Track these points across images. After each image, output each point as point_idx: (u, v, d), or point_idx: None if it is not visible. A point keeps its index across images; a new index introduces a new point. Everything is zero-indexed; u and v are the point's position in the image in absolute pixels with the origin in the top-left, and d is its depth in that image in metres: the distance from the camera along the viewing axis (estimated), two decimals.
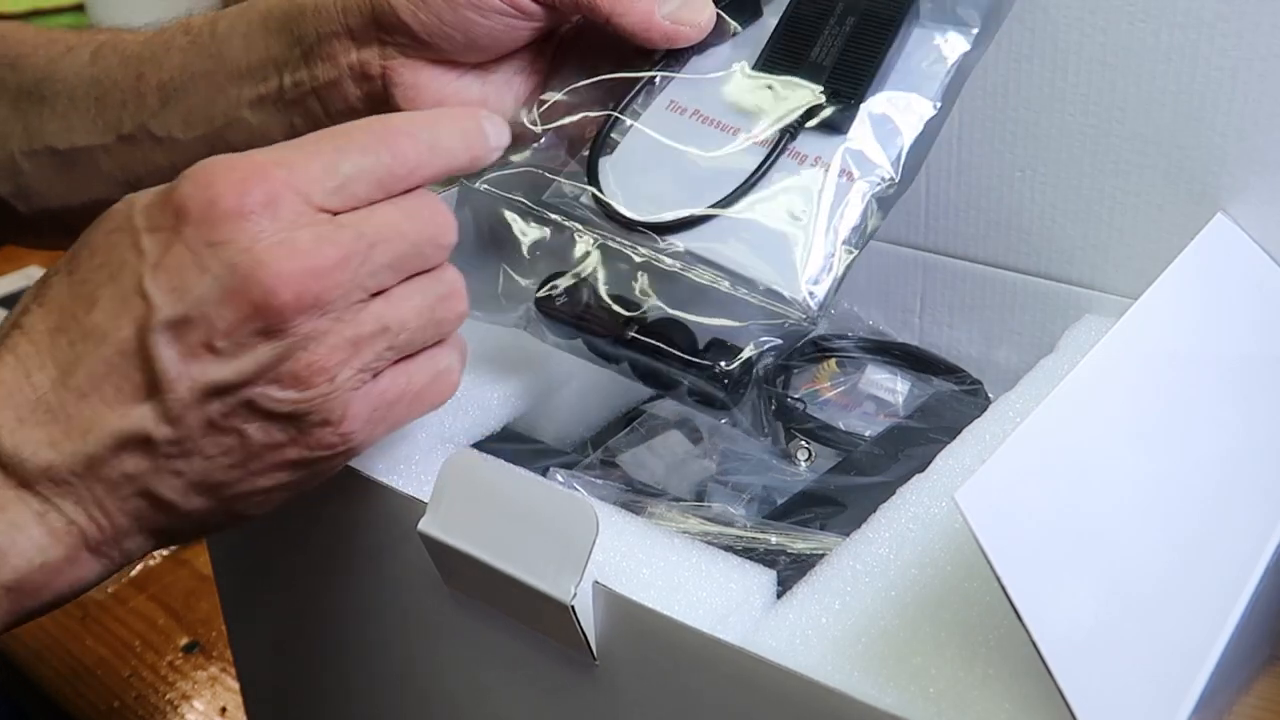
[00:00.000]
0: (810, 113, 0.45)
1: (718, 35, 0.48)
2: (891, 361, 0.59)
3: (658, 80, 0.47)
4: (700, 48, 0.47)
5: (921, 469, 0.43)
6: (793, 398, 0.57)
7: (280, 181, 0.37)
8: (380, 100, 0.49)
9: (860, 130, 0.45)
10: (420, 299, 0.40)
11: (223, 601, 0.57)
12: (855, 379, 0.59)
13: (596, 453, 0.53)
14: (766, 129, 0.45)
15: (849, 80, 0.45)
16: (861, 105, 0.45)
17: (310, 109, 0.50)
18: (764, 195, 0.44)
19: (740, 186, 0.44)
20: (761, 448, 0.54)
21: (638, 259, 0.44)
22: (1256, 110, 0.48)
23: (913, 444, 0.50)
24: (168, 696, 0.67)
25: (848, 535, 0.41)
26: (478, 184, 0.48)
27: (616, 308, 0.44)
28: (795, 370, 0.60)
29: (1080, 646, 0.30)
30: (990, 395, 0.56)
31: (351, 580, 0.48)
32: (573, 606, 0.36)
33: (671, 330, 0.43)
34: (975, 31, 0.47)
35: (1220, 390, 0.43)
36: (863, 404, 0.58)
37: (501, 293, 0.47)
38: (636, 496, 0.47)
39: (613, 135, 0.47)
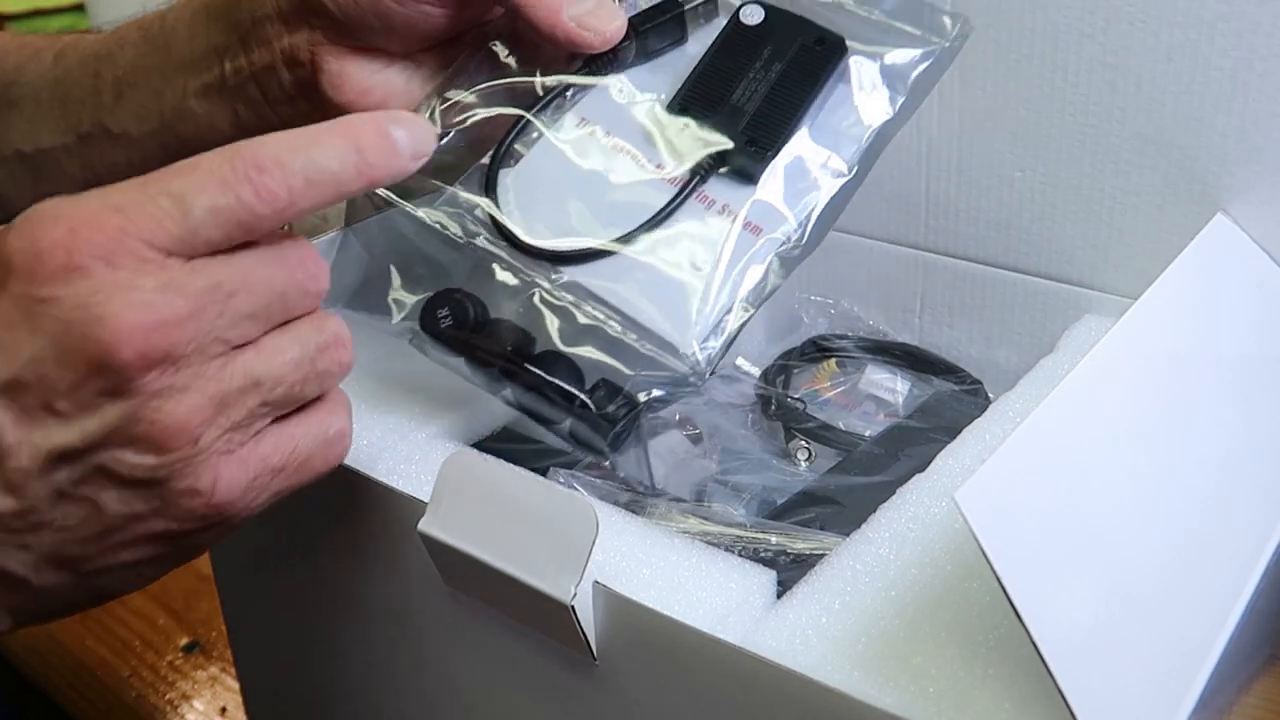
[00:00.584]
0: (723, 157, 0.43)
1: (640, 56, 0.46)
2: (891, 361, 0.59)
3: (570, 93, 0.45)
4: (618, 66, 0.46)
5: (921, 469, 0.43)
6: (793, 398, 0.57)
7: (115, 229, 0.33)
8: (311, 86, 0.48)
9: (771, 183, 0.43)
10: (297, 350, 0.37)
11: (223, 601, 0.57)
12: (855, 379, 0.59)
13: None
14: (677, 166, 0.43)
15: (767, 130, 0.43)
16: (776, 158, 0.43)
17: (250, 95, 0.49)
18: (666, 237, 0.42)
19: (644, 224, 0.42)
20: (762, 447, 0.54)
21: (529, 287, 0.42)
22: (1256, 110, 0.48)
23: (913, 444, 0.50)
24: (168, 696, 0.67)
25: (848, 535, 0.41)
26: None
27: (504, 335, 0.42)
28: (795, 370, 0.60)
29: (1080, 646, 0.30)
30: (990, 395, 0.56)
31: (351, 580, 0.48)
32: (573, 606, 0.36)
33: (557, 366, 0.42)
34: (900, 100, 0.45)
35: (1220, 390, 0.43)
36: (863, 404, 0.58)
37: (390, 298, 0.45)
38: (635, 496, 0.47)
39: (517, 146, 0.45)
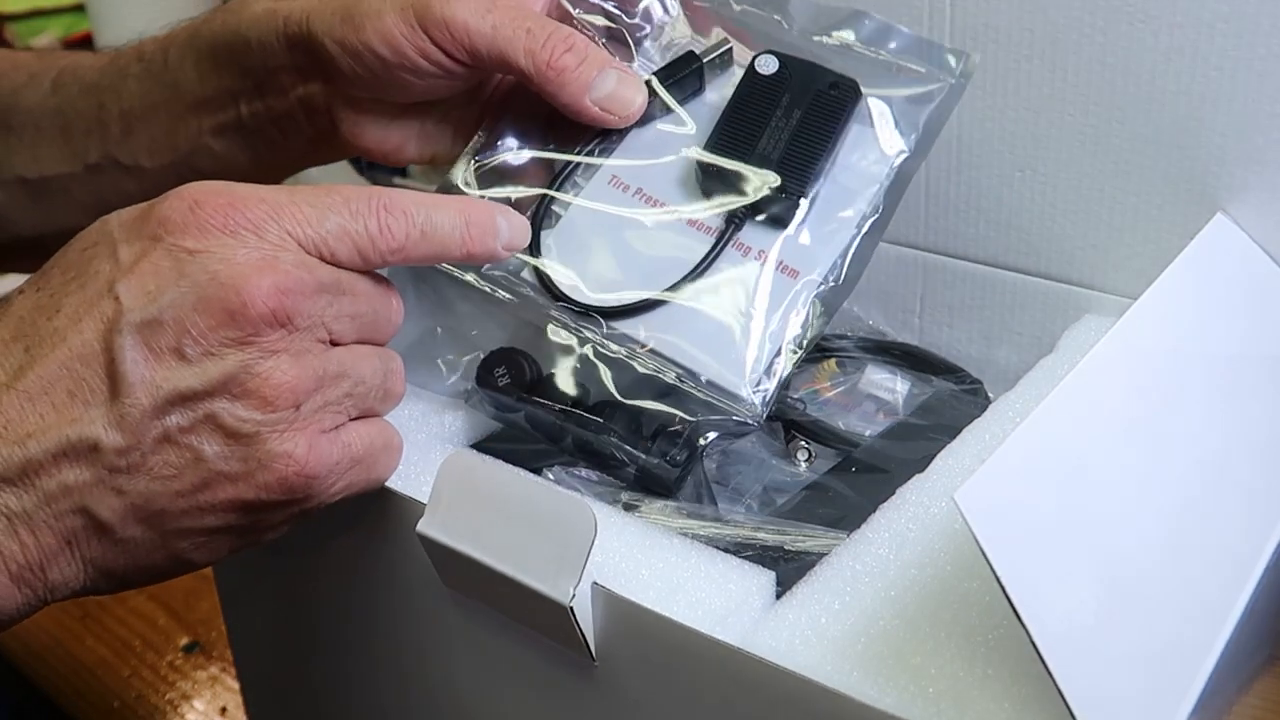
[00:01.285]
0: (757, 205, 0.44)
1: (660, 111, 0.47)
2: (891, 361, 0.59)
3: (598, 151, 0.47)
4: (644, 121, 0.47)
5: (921, 469, 0.43)
6: (793, 398, 0.57)
7: (266, 212, 0.38)
8: (331, 131, 0.49)
9: (803, 227, 0.45)
10: (378, 363, 0.41)
11: (223, 601, 0.57)
12: (855, 379, 0.59)
13: None
14: (712, 216, 0.45)
15: (795, 175, 0.44)
16: (804, 200, 0.45)
17: (271, 136, 0.51)
18: (710, 285, 0.44)
19: (689, 274, 0.44)
20: (762, 447, 0.54)
21: (582, 343, 0.44)
22: (1256, 110, 0.48)
23: (913, 443, 0.50)
24: (168, 696, 0.67)
25: (848, 534, 0.41)
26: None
27: (562, 388, 0.44)
28: (795, 370, 0.60)
29: (1080, 646, 0.30)
30: (990, 395, 0.56)
31: (351, 580, 0.48)
32: (571, 607, 0.36)
33: (617, 415, 0.43)
34: (915, 137, 0.47)
35: (1220, 390, 0.43)
36: (863, 404, 0.58)
37: (440, 361, 0.47)
38: (635, 496, 0.47)
39: (554, 208, 0.46)
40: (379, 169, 1.05)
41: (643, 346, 0.43)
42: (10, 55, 0.58)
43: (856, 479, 0.49)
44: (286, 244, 0.37)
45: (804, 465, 0.53)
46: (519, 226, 0.42)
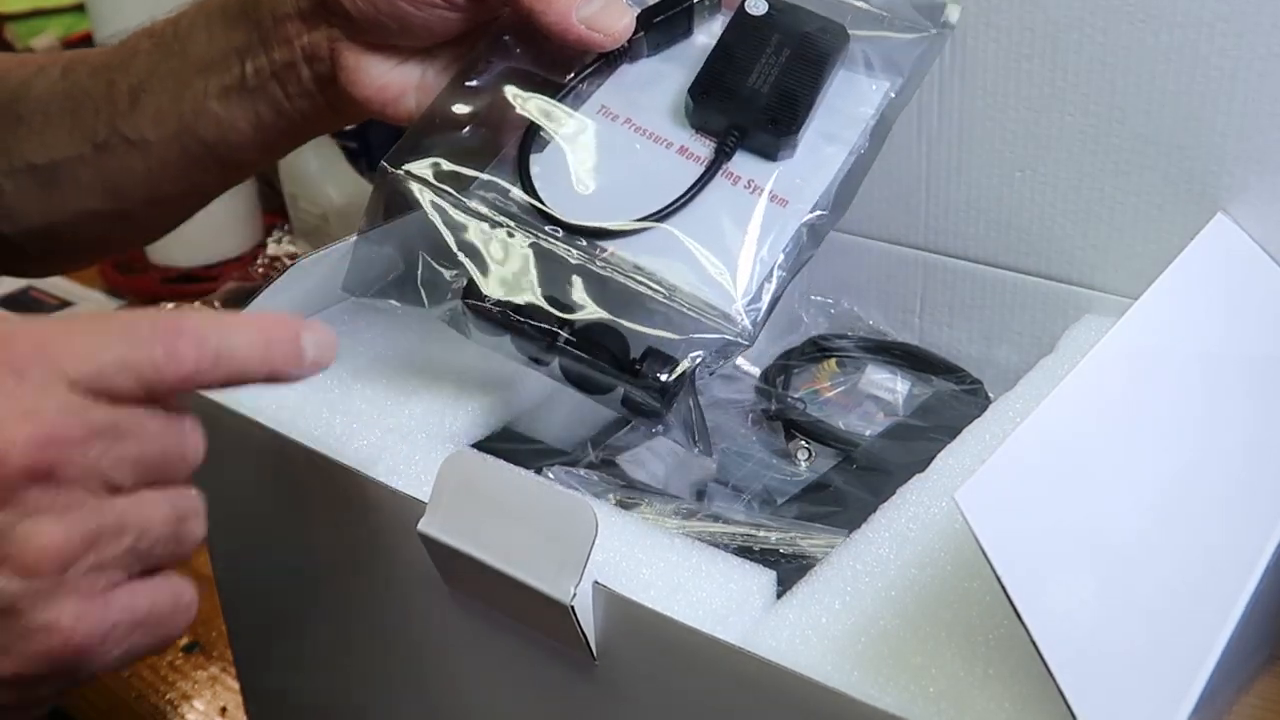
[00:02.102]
0: (745, 136, 0.45)
1: (650, 49, 0.48)
2: (891, 361, 0.59)
3: (587, 83, 0.47)
4: (630, 57, 0.48)
5: (921, 469, 0.43)
6: (793, 398, 0.57)
7: (31, 349, 0.33)
8: (329, 82, 0.50)
9: (792, 159, 0.45)
10: (168, 509, 0.36)
11: (223, 601, 0.57)
12: (855, 379, 0.59)
13: (596, 452, 0.53)
14: (700, 147, 0.45)
15: (785, 110, 0.45)
16: (796, 133, 0.45)
17: (272, 94, 0.51)
18: (701, 210, 0.44)
19: (679, 199, 0.44)
20: (762, 447, 0.54)
21: (573, 262, 0.44)
22: (1256, 110, 0.48)
23: (913, 443, 0.50)
24: (168, 696, 0.67)
25: (848, 533, 0.41)
26: (400, 169, 0.46)
27: (549, 309, 0.43)
28: (795, 370, 0.60)
29: (1080, 646, 0.30)
30: (990, 395, 0.56)
31: (351, 580, 0.48)
32: (572, 607, 0.36)
33: (605, 336, 0.43)
34: (900, 82, 0.48)
35: (1220, 390, 0.43)
36: (863, 404, 0.58)
37: (421, 282, 0.46)
38: (635, 496, 0.47)
39: (541, 134, 0.47)
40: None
41: (634, 267, 0.43)
42: (18, 55, 0.60)
43: (856, 479, 0.49)
44: (51, 387, 0.33)
45: (804, 465, 0.53)
46: (326, 344, 0.39)
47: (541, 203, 0.45)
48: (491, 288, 0.44)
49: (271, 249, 1.12)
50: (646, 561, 0.39)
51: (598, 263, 0.43)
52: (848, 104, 0.47)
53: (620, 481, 0.49)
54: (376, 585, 0.47)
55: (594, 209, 0.44)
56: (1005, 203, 0.56)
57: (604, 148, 0.46)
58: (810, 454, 0.53)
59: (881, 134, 0.47)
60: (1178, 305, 0.43)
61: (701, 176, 0.44)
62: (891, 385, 0.58)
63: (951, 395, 0.56)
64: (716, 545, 0.41)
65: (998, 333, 0.58)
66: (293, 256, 1.10)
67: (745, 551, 0.42)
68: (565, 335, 0.43)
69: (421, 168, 0.46)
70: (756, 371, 0.61)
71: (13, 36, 1.40)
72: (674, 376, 0.42)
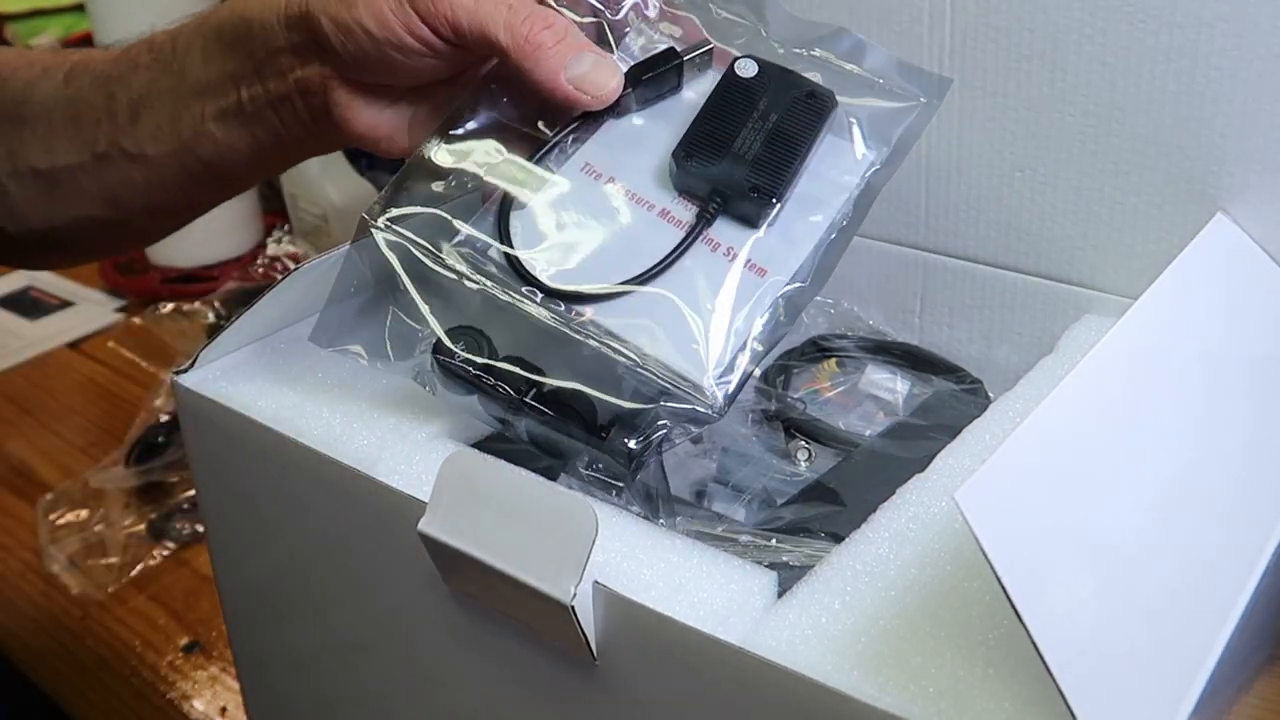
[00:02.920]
0: (730, 202, 0.45)
1: (638, 103, 0.48)
2: (891, 361, 0.59)
3: (572, 139, 0.47)
4: (619, 113, 0.47)
5: (922, 469, 0.43)
6: (793, 398, 0.57)
7: None
8: (325, 114, 0.50)
9: (773, 228, 0.45)
10: None
11: (223, 601, 0.57)
12: (855, 379, 0.59)
13: None
14: (682, 211, 0.45)
15: (768, 177, 0.44)
16: (777, 203, 0.45)
17: (269, 121, 0.52)
18: (677, 277, 0.44)
19: (657, 265, 0.43)
20: (762, 447, 0.54)
21: (546, 324, 0.43)
22: (1256, 110, 0.48)
23: (913, 442, 0.50)
24: (168, 696, 0.67)
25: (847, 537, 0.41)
26: (378, 220, 0.46)
27: (518, 370, 0.43)
28: (795, 370, 0.60)
29: (1080, 646, 0.30)
30: (990, 395, 0.56)
31: (351, 580, 0.48)
32: (573, 607, 0.36)
33: (574, 400, 0.42)
34: (887, 151, 0.47)
35: (1220, 390, 0.43)
36: (863, 404, 0.58)
37: (389, 335, 0.46)
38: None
39: (525, 190, 0.46)
40: (379, 168, 1.05)
41: (607, 333, 0.43)
42: (24, 53, 0.60)
43: (856, 479, 0.49)
44: None
45: (804, 465, 0.53)
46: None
47: (519, 263, 0.44)
48: (461, 344, 0.44)
49: (271, 249, 1.12)
50: (647, 561, 0.39)
51: (572, 326, 0.43)
52: (833, 171, 0.46)
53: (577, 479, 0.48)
54: (376, 585, 0.47)
55: (572, 271, 0.44)
56: (1005, 203, 0.56)
57: (585, 208, 0.45)
58: (810, 454, 0.53)
59: (865, 204, 0.46)
60: (1178, 305, 0.43)
61: (681, 243, 0.44)
62: (891, 385, 0.58)
63: (951, 395, 0.56)
64: (716, 545, 0.41)
65: (998, 333, 0.58)
66: (293, 256, 1.10)
67: (745, 553, 0.42)
68: (533, 397, 0.42)
69: (399, 220, 0.46)
70: (757, 372, 0.61)
71: (13, 36, 1.40)
72: (641, 445, 0.41)
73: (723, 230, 0.45)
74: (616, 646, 0.37)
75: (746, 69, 0.47)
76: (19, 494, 0.84)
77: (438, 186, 0.47)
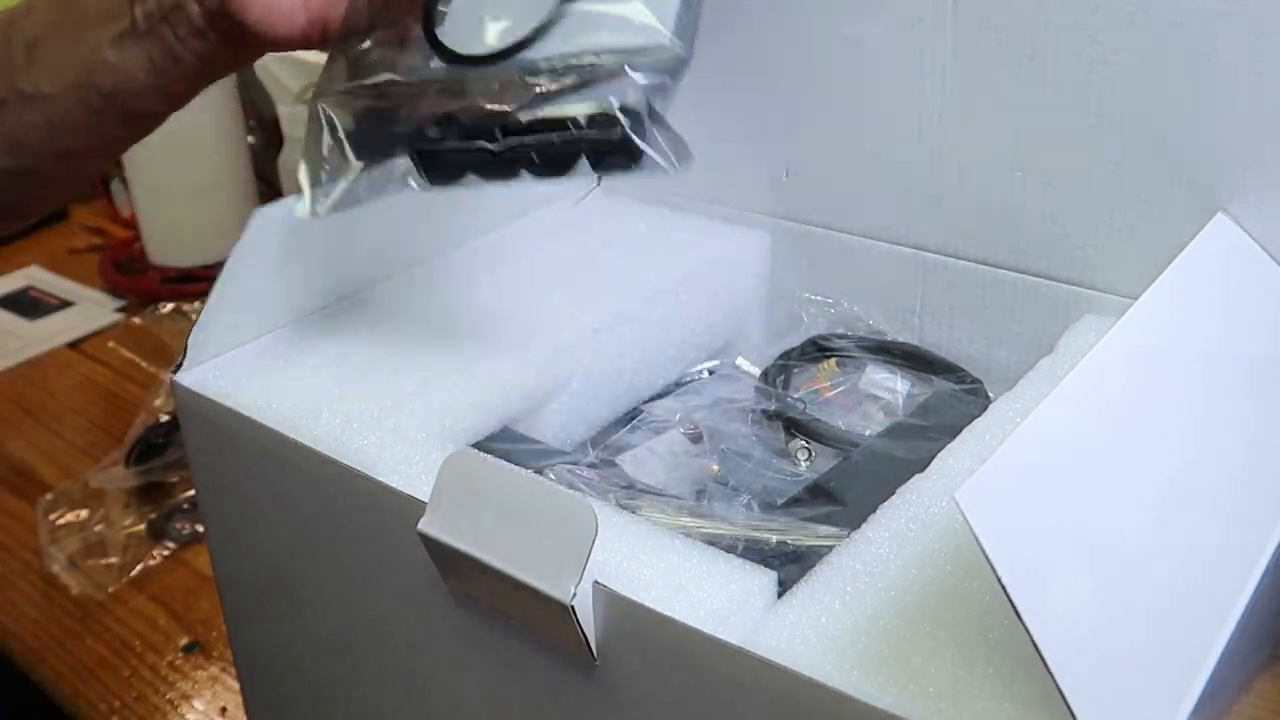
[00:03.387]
0: None
1: None
2: (891, 361, 0.59)
3: None
4: None
5: (922, 469, 0.43)
6: (793, 397, 0.57)
7: None
8: (219, 15, 0.50)
9: None
10: None
11: (223, 601, 0.57)
12: (855, 379, 0.59)
13: (596, 452, 0.53)
14: None
15: None
16: None
17: (163, 36, 0.52)
18: None
19: None
20: (762, 447, 0.54)
21: (499, 81, 0.44)
22: (1257, 110, 0.48)
23: (914, 442, 0.50)
24: (168, 696, 0.67)
25: (849, 532, 0.41)
26: (321, 101, 0.48)
27: (493, 108, 0.44)
28: (795, 370, 0.60)
29: (1080, 646, 0.30)
30: (990, 395, 0.56)
31: (351, 580, 0.48)
32: (573, 606, 0.36)
33: (553, 123, 0.43)
34: None
35: (1220, 390, 0.43)
36: (863, 404, 0.58)
37: (327, 171, 0.47)
38: (635, 496, 0.47)
39: (439, 9, 0.47)
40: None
41: (553, 60, 0.44)
42: None
43: (856, 479, 0.49)
44: None
45: (804, 465, 0.53)
46: None
47: (453, 51, 0.45)
48: (435, 132, 0.45)
49: None
50: (647, 561, 0.39)
51: (527, 76, 0.44)
52: None
53: (620, 482, 0.49)
54: (376, 585, 0.47)
55: (505, 34, 0.45)
56: (1005, 203, 0.56)
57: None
58: (810, 454, 0.53)
59: None
60: (1178, 305, 0.43)
61: None
62: (891, 385, 0.58)
63: (951, 395, 0.56)
64: (716, 545, 0.41)
65: (998, 333, 0.58)
66: None
67: (746, 549, 0.42)
68: (516, 126, 0.43)
69: (343, 87, 0.47)
70: (756, 371, 0.61)
71: None
72: (632, 98, 0.42)
73: None
74: (616, 646, 0.37)
75: None
76: (19, 494, 0.84)
77: (363, 49, 0.48)
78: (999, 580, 0.30)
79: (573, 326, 0.56)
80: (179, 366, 0.51)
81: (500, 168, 0.44)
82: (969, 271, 0.58)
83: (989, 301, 0.58)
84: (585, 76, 0.43)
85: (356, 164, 0.47)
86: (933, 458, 0.44)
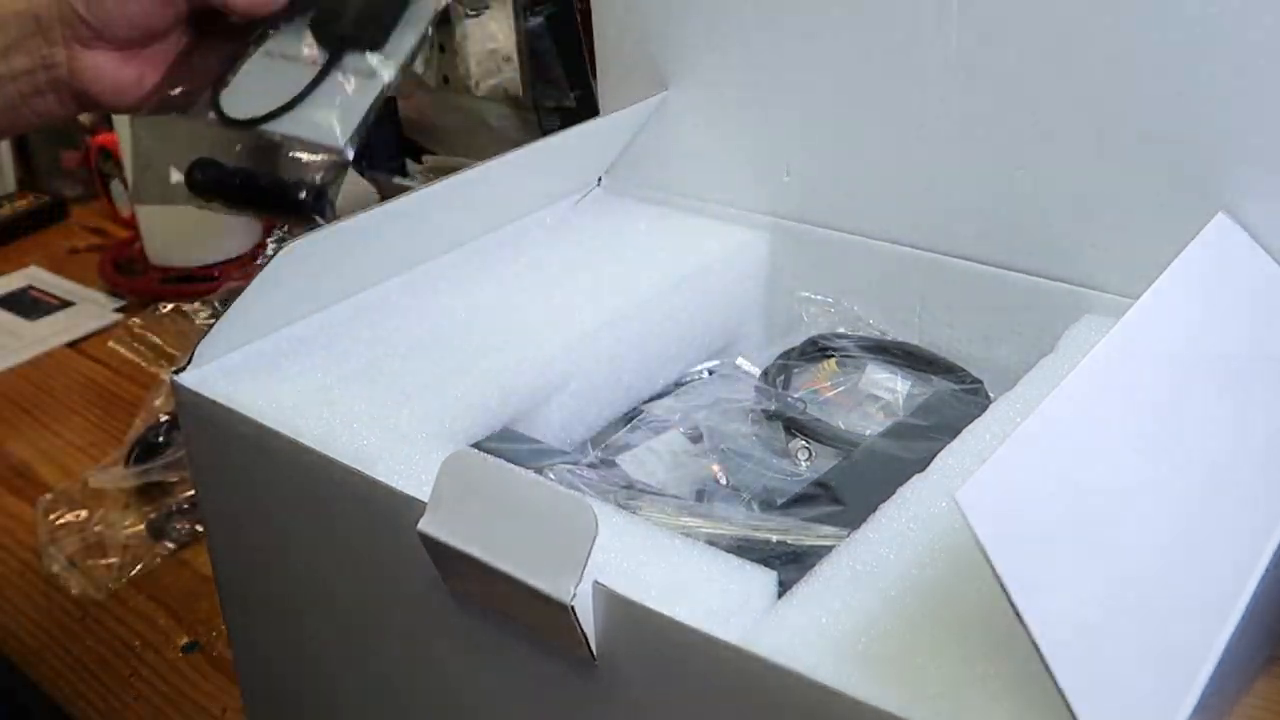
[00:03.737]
0: (346, 45, 0.63)
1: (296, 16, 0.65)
2: (891, 361, 0.59)
3: (253, 44, 0.64)
4: (276, 23, 0.65)
5: (922, 468, 0.43)
6: (793, 397, 0.57)
7: None
8: (64, 84, 0.59)
9: (371, 57, 0.63)
10: None
11: (223, 601, 0.57)
12: (855, 379, 0.59)
13: (596, 452, 0.53)
14: (321, 59, 0.64)
15: (368, 27, 0.64)
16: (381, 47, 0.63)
17: (7, 94, 0.60)
18: (320, 95, 0.61)
19: (301, 92, 0.61)
20: (762, 447, 0.54)
21: (237, 138, 0.62)
22: (1257, 110, 0.48)
23: (914, 442, 0.50)
24: (168, 696, 0.67)
25: (848, 532, 0.41)
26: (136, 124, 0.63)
27: (239, 162, 0.61)
28: (795, 370, 0.60)
29: (1080, 646, 0.30)
30: (990, 395, 0.56)
31: (351, 580, 0.48)
32: (572, 606, 0.36)
33: (258, 175, 0.61)
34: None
35: (1220, 389, 0.43)
36: (863, 404, 0.58)
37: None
38: (635, 496, 0.47)
39: (227, 78, 0.63)
40: (378, 168, 1.05)
41: (272, 133, 0.61)
42: None
43: (856, 479, 0.49)
44: None
45: (804, 465, 0.53)
46: None
47: (225, 114, 0.62)
48: (200, 167, 0.61)
49: (271, 249, 1.12)
50: (646, 561, 0.39)
51: (249, 137, 0.61)
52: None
53: (620, 482, 0.49)
54: (376, 585, 0.47)
55: (257, 107, 0.62)
56: (1005, 203, 0.56)
57: (268, 75, 0.63)
58: (810, 454, 0.53)
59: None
60: (1178, 305, 0.43)
61: (318, 75, 0.62)
62: (891, 385, 0.58)
63: (951, 395, 0.56)
64: (718, 545, 0.41)
65: (998, 333, 0.58)
66: None
67: (746, 549, 0.42)
68: (247, 175, 0.60)
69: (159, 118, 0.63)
70: (756, 371, 0.61)
71: None
72: (316, 179, 0.60)
73: (345, 64, 0.63)
74: (616, 646, 0.37)
75: None
76: (19, 494, 0.84)
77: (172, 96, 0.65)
78: (999, 580, 0.30)
79: (573, 326, 0.56)
80: (181, 368, 0.51)
81: (236, 204, 0.61)
82: (969, 271, 0.58)
83: (989, 301, 0.58)
84: (297, 152, 0.60)
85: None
86: (933, 458, 0.44)
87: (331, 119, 0.64)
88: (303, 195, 0.61)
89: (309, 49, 0.68)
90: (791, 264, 0.65)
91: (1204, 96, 0.49)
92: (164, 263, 1.12)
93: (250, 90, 0.66)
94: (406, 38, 0.67)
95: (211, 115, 0.66)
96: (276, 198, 0.62)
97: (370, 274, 0.59)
